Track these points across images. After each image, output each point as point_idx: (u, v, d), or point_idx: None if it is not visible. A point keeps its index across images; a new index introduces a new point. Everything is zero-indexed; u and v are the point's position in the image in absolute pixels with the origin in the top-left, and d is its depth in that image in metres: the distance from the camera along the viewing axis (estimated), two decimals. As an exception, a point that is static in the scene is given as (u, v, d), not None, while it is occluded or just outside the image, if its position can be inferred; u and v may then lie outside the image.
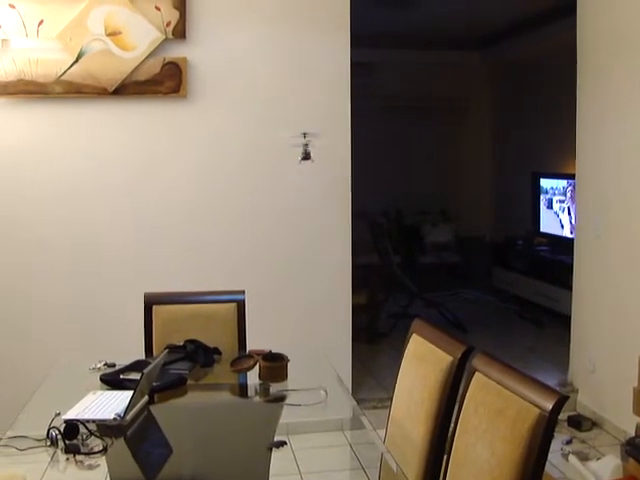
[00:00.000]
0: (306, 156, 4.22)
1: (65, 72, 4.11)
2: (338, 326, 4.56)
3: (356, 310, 4.65)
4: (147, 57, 4.16)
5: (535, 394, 1.95)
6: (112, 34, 4.13)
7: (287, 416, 2.68)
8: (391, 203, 8.33)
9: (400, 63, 8.53)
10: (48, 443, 2.25)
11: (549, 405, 1.88)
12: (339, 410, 2.83)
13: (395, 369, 2.83)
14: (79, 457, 2.22)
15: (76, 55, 4.11)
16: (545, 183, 7.48)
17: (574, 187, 5.15)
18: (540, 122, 7.82)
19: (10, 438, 2.32)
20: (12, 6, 4.03)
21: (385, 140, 8.55)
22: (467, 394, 2.25)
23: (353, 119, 4.46)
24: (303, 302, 4.52)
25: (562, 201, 7.11)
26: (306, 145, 4.22)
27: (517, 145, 8.50)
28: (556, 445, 4.13)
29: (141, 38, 4.14)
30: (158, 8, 4.15)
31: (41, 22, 4.07)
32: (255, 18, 4.33)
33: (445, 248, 8.47)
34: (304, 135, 4.23)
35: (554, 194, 7.30)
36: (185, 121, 4.31)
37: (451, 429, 2.34)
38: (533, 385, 2.00)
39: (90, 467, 2.20)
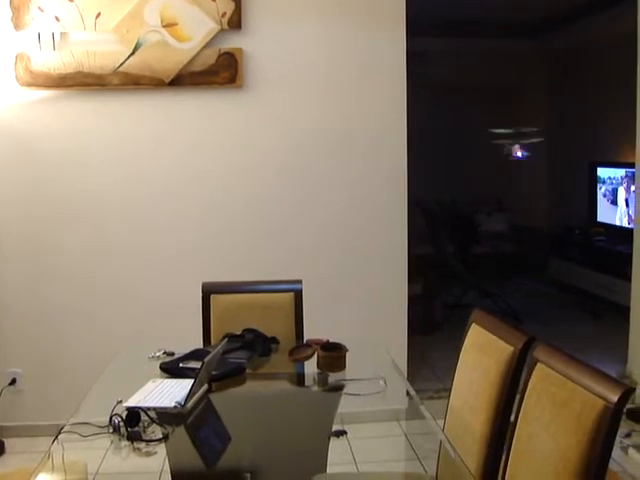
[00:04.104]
0: None
1: (122, 64, 4.15)
2: (394, 316, 4.53)
3: (411, 300, 4.62)
4: (203, 48, 4.17)
5: (600, 386, 1.91)
6: (168, 25, 4.16)
7: (343, 406, 2.68)
8: (446, 192, 8.27)
9: (454, 51, 8.46)
10: (111, 430, 2.29)
11: (615, 397, 1.84)
12: (396, 400, 2.82)
13: (451, 360, 2.80)
14: (137, 444, 2.25)
15: (133, 47, 4.15)
16: (602, 172, 7.35)
17: (632, 176, 5.04)
18: (597, 111, 7.68)
19: (74, 425, 2.37)
20: (71, 0, 4.09)
21: (439, 129, 8.50)
22: (529, 385, 2.22)
23: (408, 108, 4.42)
24: (359, 292, 4.50)
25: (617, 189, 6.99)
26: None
27: (573, 134, 8.37)
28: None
29: (197, 29, 4.16)
30: (213, -1, 4.17)
31: (98, 15, 4.12)
32: (310, 7, 4.30)
33: (500, 238, 8.38)
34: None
35: (611, 183, 7.17)
36: (241, 111, 4.31)
37: (512, 419, 2.31)
38: (598, 377, 1.96)
39: (148, 454, 2.23)
